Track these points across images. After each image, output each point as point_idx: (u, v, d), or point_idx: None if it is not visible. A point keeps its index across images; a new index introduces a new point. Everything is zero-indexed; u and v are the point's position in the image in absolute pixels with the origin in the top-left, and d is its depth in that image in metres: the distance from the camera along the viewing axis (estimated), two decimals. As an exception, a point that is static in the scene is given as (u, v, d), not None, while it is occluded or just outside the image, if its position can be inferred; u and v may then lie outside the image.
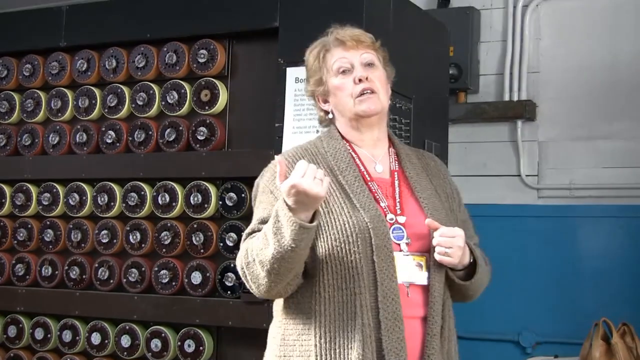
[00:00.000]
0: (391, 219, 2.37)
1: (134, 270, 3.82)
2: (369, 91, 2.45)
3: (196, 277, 3.69)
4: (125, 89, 3.95)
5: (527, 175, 5.00)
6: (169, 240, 3.76)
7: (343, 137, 2.50)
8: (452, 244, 2.32)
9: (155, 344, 3.74)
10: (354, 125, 2.49)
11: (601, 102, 4.90)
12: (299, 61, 3.45)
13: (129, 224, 3.87)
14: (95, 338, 3.88)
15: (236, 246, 3.63)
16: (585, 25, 4.95)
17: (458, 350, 2.48)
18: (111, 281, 3.88)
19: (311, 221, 2.21)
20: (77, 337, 3.94)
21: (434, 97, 3.97)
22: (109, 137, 3.94)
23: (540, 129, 5.01)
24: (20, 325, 4.08)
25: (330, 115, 2.54)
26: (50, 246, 4.04)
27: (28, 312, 4.07)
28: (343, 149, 2.47)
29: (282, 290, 2.33)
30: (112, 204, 3.90)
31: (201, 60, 3.79)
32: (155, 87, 3.89)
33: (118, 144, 3.93)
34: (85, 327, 3.93)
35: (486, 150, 5.09)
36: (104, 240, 3.90)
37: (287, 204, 2.19)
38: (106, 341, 3.87)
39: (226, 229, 3.66)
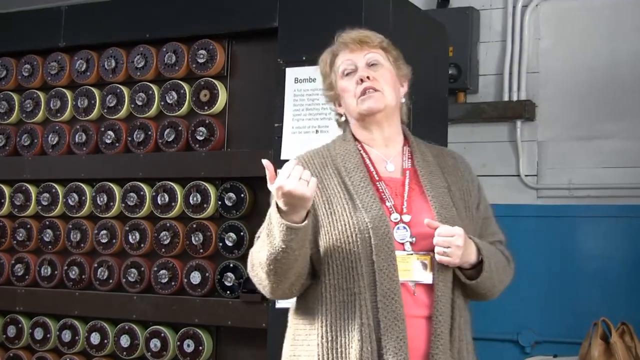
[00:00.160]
0: (395, 219, 2.38)
1: (133, 270, 3.82)
2: (371, 90, 2.46)
3: (195, 277, 3.69)
4: (125, 89, 3.96)
5: (526, 175, 5.00)
6: (168, 240, 3.76)
7: (356, 139, 2.52)
8: (451, 243, 2.31)
9: (155, 343, 3.75)
10: (362, 124, 2.51)
11: (600, 102, 4.90)
12: (298, 61, 3.47)
13: (128, 224, 3.87)
14: (95, 338, 3.88)
15: (235, 246, 3.64)
16: (585, 25, 4.95)
17: (474, 351, 2.46)
18: (110, 281, 3.88)
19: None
20: (77, 337, 3.94)
21: (433, 97, 3.97)
22: (108, 137, 3.94)
23: (539, 129, 5.01)
24: (20, 325, 4.08)
25: (344, 118, 2.57)
26: (50, 246, 4.04)
27: (27, 312, 4.07)
28: (353, 150, 2.49)
29: (287, 290, 2.35)
30: (112, 204, 3.91)
31: (200, 61, 3.79)
32: (154, 87, 3.89)
33: (117, 144, 3.93)
34: (85, 327, 3.93)
35: (485, 150, 5.09)
36: (103, 240, 3.90)
37: (278, 207, 2.23)
38: (105, 341, 3.87)
39: (225, 229, 3.66)
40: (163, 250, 3.78)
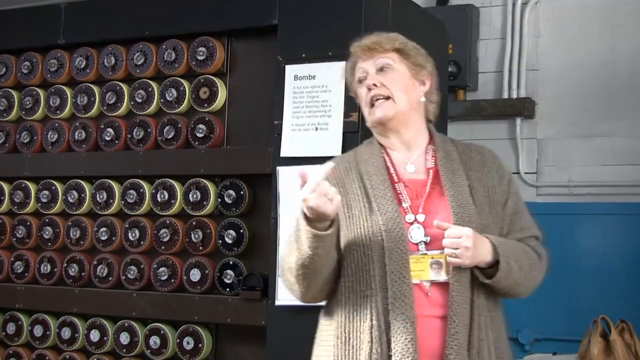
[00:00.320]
0: (410, 219, 2.40)
1: (132, 267, 3.82)
2: (381, 97, 2.49)
3: (195, 275, 3.69)
4: (124, 87, 3.95)
5: (526, 173, 5.00)
6: (167, 238, 3.76)
7: (380, 142, 2.57)
8: (459, 244, 2.32)
9: (154, 341, 3.75)
10: (379, 131, 2.55)
11: (600, 99, 4.90)
12: (297, 58, 3.47)
13: (127, 221, 3.87)
14: (94, 335, 3.88)
15: (235, 243, 3.64)
16: (584, 23, 4.95)
17: (507, 351, 2.44)
18: (110, 278, 3.88)
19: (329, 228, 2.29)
20: (76, 334, 3.94)
21: (432, 95, 3.97)
22: (108, 134, 3.94)
23: (539, 127, 5.01)
24: (19, 322, 4.08)
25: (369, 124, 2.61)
26: (49, 243, 4.04)
27: (27, 309, 4.07)
28: (377, 153, 2.53)
29: (316, 295, 2.44)
30: (111, 201, 3.90)
31: (200, 58, 3.78)
32: (154, 84, 3.89)
33: (117, 142, 3.93)
34: (84, 324, 3.93)
35: (485, 147, 5.09)
36: (103, 238, 3.90)
37: (305, 213, 2.28)
38: (105, 338, 3.87)
39: (225, 226, 3.66)
40: (163, 247, 3.78)
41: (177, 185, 3.77)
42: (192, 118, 3.79)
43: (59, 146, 4.07)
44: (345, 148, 3.31)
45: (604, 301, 4.54)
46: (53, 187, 4.05)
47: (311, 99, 3.43)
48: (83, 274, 3.94)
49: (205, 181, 3.72)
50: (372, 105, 2.50)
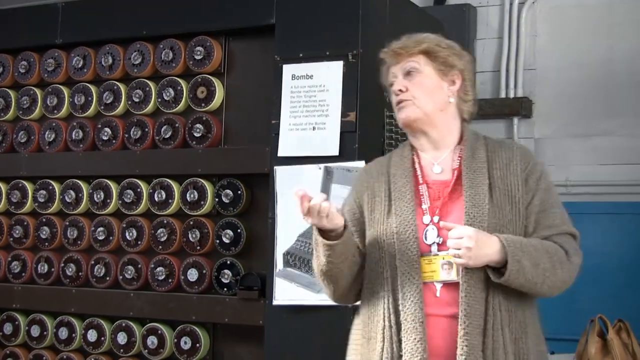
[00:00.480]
0: (426, 221, 2.43)
1: (130, 267, 3.82)
2: (403, 102, 2.52)
3: (192, 274, 3.69)
4: (122, 86, 3.95)
5: (523, 172, 5.00)
6: (165, 237, 3.76)
7: (412, 144, 2.60)
8: (460, 245, 2.32)
9: (152, 340, 3.74)
10: (409, 133, 2.57)
11: (597, 98, 4.90)
12: (295, 58, 3.47)
13: (125, 221, 3.87)
14: (92, 335, 3.88)
15: (232, 243, 3.63)
16: (581, 22, 4.95)
17: (536, 351, 2.41)
18: (107, 278, 3.88)
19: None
20: (73, 335, 3.93)
21: (430, 94, 3.97)
22: (105, 134, 3.93)
23: (536, 126, 5.01)
24: (16, 322, 4.08)
25: None
26: (46, 243, 4.04)
27: (24, 309, 4.07)
28: (407, 156, 2.56)
29: (345, 297, 2.55)
30: (108, 201, 3.90)
31: (197, 57, 3.78)
32: (151, 84, 3.89)
33: (114, 141, 3.92)
34: (82, 324, 3.93)
35: (482, 147, 5.09)
36: (100, 238, 3.90)
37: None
38: (102, 338, 3.87)
39: (222, 226, 3.66)
40: (160, 247, 3.78)
41: (174, 185, 3.77)
42: (189, 118, 3.79)
43: (56, 146, 4.06)
44: (342, 147, 3.31)
45: (602, 300, 4.53)
46: (50, 187, 4.04)
47: (309, 99, 3.43)
48: (80, 273, 3.94)
49: (202, 181, 3.71)
50: (397, 108, 2.55)
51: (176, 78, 3.84)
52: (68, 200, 3.99)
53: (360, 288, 2.51)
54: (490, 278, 2.37)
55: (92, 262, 3.91)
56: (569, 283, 2.46)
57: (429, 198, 2.48)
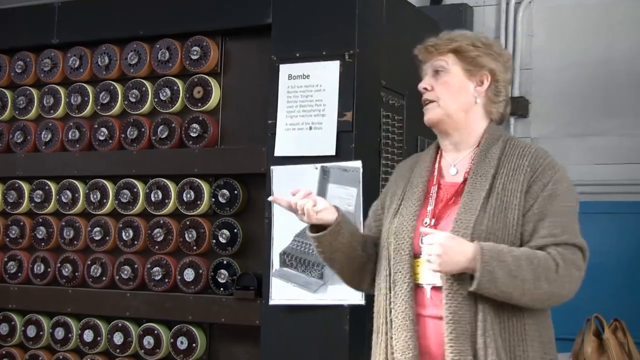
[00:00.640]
0: (426, 223, 2.46)
1: (126, 267, 3.81)
2: (427, 101, 2.55)
3: (189, 274, 3.69)
4: (118, 86, 3.95)
5: (520, 172, 5.00)
6: (161, 237, 3.76)
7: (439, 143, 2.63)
8: (430, 251, 2.34)
9: (148, 341, 3.74)
10: (435, 132, 2.60)
11: (594, 98, 4.90)
12: (291, 58, 3.47)
13: (121, 221, 3.87)
14: (88, 335, 3.88)
15: (229, 243, 3.63)
16: (578, 22, 4.95)
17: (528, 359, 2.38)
18: (104, 278, 3.88)
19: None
20: (70, 335, 3.93)
21: (426, 94, 3.97)
22: (102, 134, 3.93)
23: (533, 126, 5.01)
24: (13, 322, 4.07)
25: None
26: (43, 243, 4.04)
27: (20, 309, 4.07)
28: (431, 155, 2.61)
29: (354, 283, 2.66)
30: (105, 201, 3.90)
31: (194, 57, 3.78)
32: (147, 84, 3.89)
33: (110, 141, 3.92)
34: (78, 325, 3.92)
35: (479, 147, 5.09)
36: (97, 238, 3.90)
37: None
38: (99, 338, 3.86)
39: (219, 226, 3.66)
40: (156, 247, 3.78)
41: (171, 185, 3.77)
42: (186, 117, 3.79)
43: (53, 146, 4.06)
44: (339, 147, 3.31)
45: (598, 300, 4.52)
46: (46, 187, 4.04)
47: (305, 98, 3.43)
48: (77, 274, 3.94)
49: (199, 181, 3.71)
50: (424, 108, 2.58)
51: (173, 78, 3.83)
52: (64, 201, 3.98)
53: (374, 278, 2.59)
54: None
55: (89, 262, 3.91)
56: (562, 296, 2.39)
57: (435, 200, 2.50)
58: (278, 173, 3.42)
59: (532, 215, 2.40)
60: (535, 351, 2.39)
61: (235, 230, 3.63)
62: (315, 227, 2.52)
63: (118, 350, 3.82)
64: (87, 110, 4.02)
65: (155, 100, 3.86)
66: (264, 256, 3.45)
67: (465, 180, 2.48)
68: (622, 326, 3.93)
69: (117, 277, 3.84)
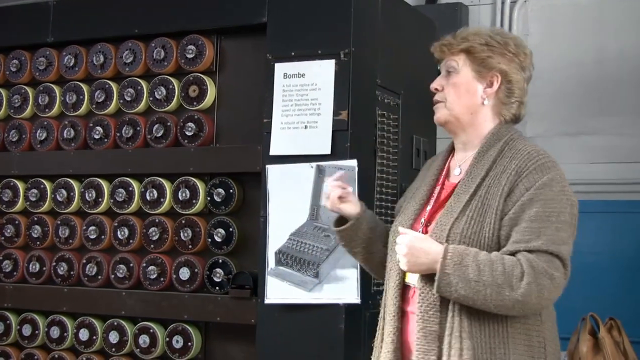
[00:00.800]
0: (422, 223, 2.53)
1: (122, 266, 3.81)
2: (436, 102, 2.60)
3: (184, 273, 3.68)
4: (113, 85, 3.95)
5: (515, 171, 5.00)
6: (157, 236, 3.76)
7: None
8: (397, 250, 2.45)
9: (144, 339, 3.74)
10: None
11: (588, 97, 4.92)
12: (287, 57, 3.47)
13: (117, 220, 3.86)
14: (84, 334, 3.87)
15: (224, 242, 3.63)
16: (573, 22, 4.96)
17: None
18: (99, 277, 3.87)
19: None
20: (65, 334, 3.93)
21: (422, 93, 3.94)
22: (97, 132, 3.93)
23: (527, 125, 5.02)
24: (8, 321, 4.07)
25: None
26: (38, 242, 4.03)
27: (16, 308, 4.06)
28: (444, 154, 2.67)
29: (380, 276, 2.77)
30: (100, 200, 3.90)
31: (189, 56, 3.78)
32: (143, 82, 3.88)
33: (106, 140, 3.92)
34: (73, 323, 3.92)
35: (474, 145, 5.09)
36: (92, 236, 3.89)
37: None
38: (94, 337, 3.86)
39: (214, 225, 3.66)
40: (152, 246, 3.77)
41: (166, 184, 3.77)
42: (181, 116, 3.79)
43: (48, 144, 4.05)
44: (334, 146, 3.31)
45: (593, 299, 4.55)
46: (42, 186, 4.04)
47: (300, 97, 3.43)
48: (72, 272, 3.93)
49: (194, 179, 3.71)
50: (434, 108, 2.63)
51: (168, 77, 3.83)
52: (59, 199, 3.98)
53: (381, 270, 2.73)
54: None
55: (84, 261, 3.91)
56: (531, 304, 2.32)
57: (435, 200, 2.55)
58: (273, 172, 3.42)
59: (508, 219, 2.38)
60: (519, 354, 2.37)
61: (231, 229, 3.63)
62: (340, 221, 2.72)
63: (113, 349, 3.82)
64: (83, 109, 4.01)
65: (151, 99, 3.86)
66: (259, 255, 3.45)
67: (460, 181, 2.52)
68: (618, 325, 3.94)
69: (113, 276, 3.84)
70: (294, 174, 3.38)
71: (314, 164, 3.33)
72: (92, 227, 3.90)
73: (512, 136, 2.54)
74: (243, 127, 3.72)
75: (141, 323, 3.77)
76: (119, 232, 3.83)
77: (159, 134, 3.79)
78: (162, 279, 3.73)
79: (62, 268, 3.94)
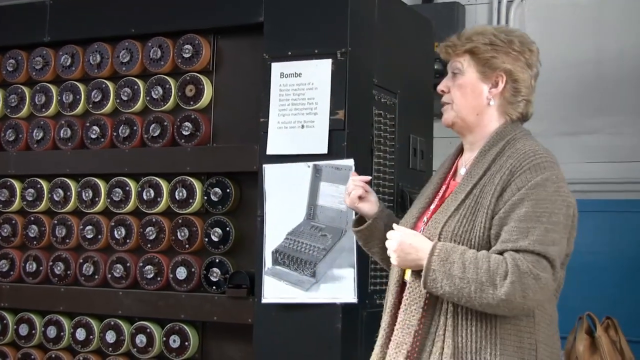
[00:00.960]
0: (424, 222, 2.55)
1: (118, 265, 3.81)
2: (444, 104, 2.61)
3: (181, 273, 3.68)
4: (110, 84, 3.94)
5: (512, 170, 5.00)
6: (154, 236, 3.76)
7: None
8: (387, 245, 2.52)
9: (140, 339, 3.74)
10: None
11: (586, 97, 4.92)
12: (284, 56, 3.47)
13: (113, 219, 3.86)
14: (80, 334, 3.87)
15: (221, 241, 3.63)
16: (570, 21, 4.97)
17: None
18: (96, 277, 3.87)
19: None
20: (62, 333, 3.92)
21: (419, 92, 3.98)
22: (94, 132, 3.92)
23: (525, 124, 5.01)
24: (5, 321, 4.06)
25: None
26: (35, 242, 4.03)
27: (12, 308, 4.06)
28: (453, 154, 2.69)
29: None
30: (97, 199, 3.89)
31: (186, 56, 3.78)
32: (140, 82, 3.88)
33: (103, 140, 3.92)
34: (70, 323, 3.92)
35: (471, 145, 5.09)
36: (89, 236, 3.89)
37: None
38: (91, 337, 3.86)
39: (211, 224, 3.66)
40: (149, 245, 3.77)
41: (163, 183, 3.77)
42: (178, 116, 3.78)
43: (45, 144, 4.05)
44: (331, 145, 3.31)
45: (590, 298, 4.55)
46: (38, 185, 4.03)
47: (297, 97, 3.43)
48: (69, 272, 3.93)
49: (191, 179, 3.71)
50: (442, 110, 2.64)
51: (165, 76, 3.83)
52: (56, 199, 3.98)
53: None
54: None
55: (81, 261, 3.90)
56: (515, 303, 2.29)
57: (439, 199, 2.58)
58: (270, 171, 3.42)
59: (498, 219, 2.38)
60: (508, 356, 2.36)
61: (228, 229, 3.63)
62: (359, 222, 2.82)
63: (110, 349, 3.82)
64: (79, 109, 4.01)
65: (147, 98, 3.85)
66: (256, 254, 3.44)
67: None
68: (614, 324, 3.95)
69: (109, 276, 3.83)
70: (291, 174, 3.38)
71: (310, 164, 3.33)
72: (89, 227, 3.89)
73: (515, 135, 2.53)
74: (240, 126, 3.71)
75: (138, 323, 3.77)
76: (115, 232, 3.83)
77: (156, 134, 3.79)
78: (159, 279, 3.73)
79: (58, 268, 3.94)
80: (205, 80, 3.76)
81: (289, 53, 3.46)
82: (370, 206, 2.79)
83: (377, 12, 3.58)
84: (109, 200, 3.87)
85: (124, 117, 3.88)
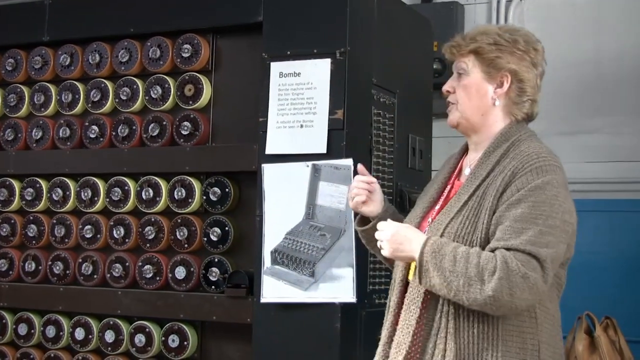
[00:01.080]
0: (429, 222, 2.55)
1: (117, 265, 3.81)
2: (449, 104, 2.60)
3: (180, 272, 3.68)
4: (109, 84, 3.94)
5: (511, 170, 5.00)
6: (153, 235, 3.75)
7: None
8: (378, 236, 2.53)
9: (140, 339, 3.74)
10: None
11: (585, 97, 4.92)
12: (282, 56, 3.47)
13: (112, 219, 3.86)
14: (79, 333, 3.87)
15: (220, 241, 3.63)
16: (569, 21, 4.97)
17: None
18: (95, 276, 3.87)
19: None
20: (61, 333, 3.92)
21: (418, 92, 3.98)
22: (93, 132, 3.92)
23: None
24: (4, 321, 4.06)
25: None
26: (34, 241, 4.03)
27: (11, 307, 4.06)
28: (457, 154, 2.69)
29: None
30: (96, 199, 3.89)
31: (185, 55, 3.78)
32: (139, 81, 3.88)
33: (102, 139, 3.92)
34: (69, 323, 3.91)
35: (471, 145, 5.09)
36: (88, 236, 3.89)
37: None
38: (90, 336, 3.86)
39: (210, 224, 3.66)
40: (148, 245, 3.77)
41: (162, 183, 3.77)
42: (177, 115, 3.78)
43: (44, 143, 4.05)
44: (330, 145, 3.31)
45: (589, 297, 4.55)
46: (37, 185, 4.03)
47: (296, 96, 3.43)
48: (68, 272, 3.93)
49: (190, 179, 3.71)
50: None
51: (164, 76, 3.83)
52: (55, 198, 3.98)
53: None
54: None
55: (80, 260, 3.90)
56: (503, 301, 2.27)
57: (444, 200, 2.57)
58: (269, 171, 3.42)
59: (495, 218, 2.38)
60: (510, 357, 2.36)
61: (227, 228, 3.63)
62: (363, 221, 2.82)
63: (109, 349, 3.82)
64: (78, 108, 4.01)
65: (146, 98, 3.85)
66: (255, 254, 3.44)
67: None
68: (613, 324, 3.95)
69: (109, 275, 3.83)
70: (290, 173, 3.38)
71: (309, 163, 3.33)
72: (88, 226, 3.89)
73: (520, 136, 2.52)
74: (239, 126, 3.71)
75: (137, 322, 3.77)
76: (114, 231, 3.83)
77: (155, 133, 3.79)
78: (158, 278, 3.73)
79: (57, 267, 3.94)
80: (204, 80, 3.76)
81: (288, 53, 3.46)
82: (375, 206, 2.79)
83: (376, 12, 3.58)
84: (108, 199, 3.87)
85: (123, 117, 3.88)
